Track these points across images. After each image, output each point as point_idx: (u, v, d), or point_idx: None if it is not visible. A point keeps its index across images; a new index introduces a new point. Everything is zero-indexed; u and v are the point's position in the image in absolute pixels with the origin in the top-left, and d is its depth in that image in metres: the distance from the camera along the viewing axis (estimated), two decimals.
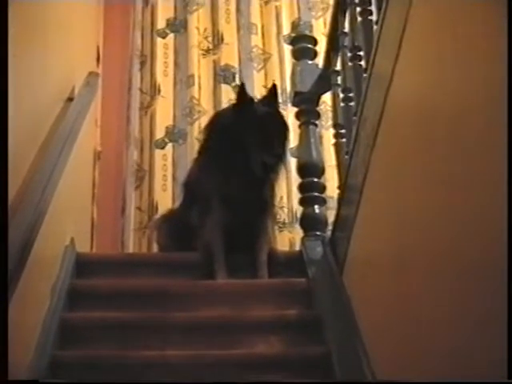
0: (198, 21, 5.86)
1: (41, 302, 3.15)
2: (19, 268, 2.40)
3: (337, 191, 3.92)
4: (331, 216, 3.87)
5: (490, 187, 1.68)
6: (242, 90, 4.10)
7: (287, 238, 5.19)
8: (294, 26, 5.83)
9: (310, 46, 4.30)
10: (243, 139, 3.86)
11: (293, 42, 4.54)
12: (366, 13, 3.25)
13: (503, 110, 1.53)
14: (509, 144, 1.50)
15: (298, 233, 4.52)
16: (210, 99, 5.63)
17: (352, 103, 3.51)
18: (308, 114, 4.25)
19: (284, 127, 4.08)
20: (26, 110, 3.03)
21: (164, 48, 5.85)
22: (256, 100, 4.19)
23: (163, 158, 5.51)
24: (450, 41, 2.01)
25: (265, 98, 4.22)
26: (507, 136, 1.50)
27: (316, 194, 4.12)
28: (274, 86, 4.28)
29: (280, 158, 3.99)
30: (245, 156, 3.85)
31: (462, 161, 1.89)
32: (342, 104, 3.75)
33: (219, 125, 4.09)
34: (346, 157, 3.46)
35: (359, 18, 3.34)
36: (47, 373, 2.98)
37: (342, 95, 3.75)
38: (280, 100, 5.40)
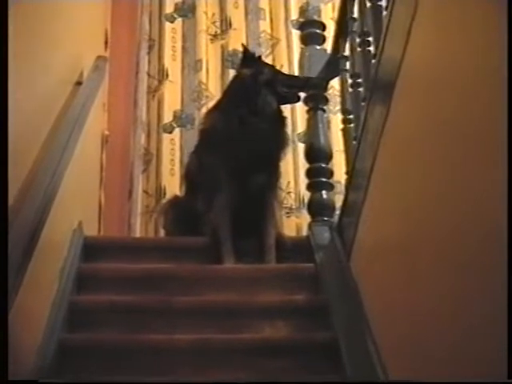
0: (207, 5, 5.86)
1: (49, 285, 3.17)
2: (29, 251, 2.41)
3: (344, 176, 3.93)
4: (339, 201, 3.88)
5: (493, 171, 1.69)
6: (246, 51, 4.25)
7: (294, 224, 5.20)
8: (303, 10, 5.82)
9: (318, 31, 4.30)
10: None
11: (301, 27, 4.54)
12: None
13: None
14: (509, 134, 1.52)
15: (306, 218, 4.52)
16: (217, 84, 5.63)
17: (360, 89, 3.52)
18: (316, 99, 4.25)
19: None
20: (36, 93, 3.04)
21: (172, 32, 5.84)
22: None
23: (171, 143, 5.52)
24: (458, 27, 2.01)
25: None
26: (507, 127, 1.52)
27: (323, 179, 4.13)
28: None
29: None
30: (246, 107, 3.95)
31: (468, 144, 1.89)
32: (350, 90, 3.75)
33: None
34: (354, 142, 3.46)
35: (368, 3, 3.34)
36: (55, 356, 3.00)
37: (350, 81, 3.75)
38: None
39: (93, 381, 2.75)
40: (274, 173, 4.09)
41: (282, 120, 4.16)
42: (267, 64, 4.44)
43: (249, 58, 4.23)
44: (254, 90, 3.98)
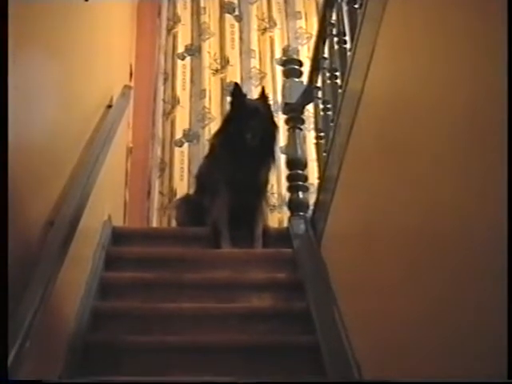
0: (210, 47, 5.85)
1: (85, 264, 3.17)
2: (70, 237, 2.41)
3: (316, 180, 3.93)
4: (312, 200, 3.89)
5: (428, 179, 1.71)
6: (236, 88, 4.11)
7: (277, 218, 5.20)
8: (285, 51, 5.82)
9: (296, 67, 4.29)
10: (238, 125, 3.88)
11: (283, 63, 4.54)
12: (342, 42, 3.26)
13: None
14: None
15: (286, 213, 4.52)
16: (218, 108, 5.62)
17: (329, 112, 3.53)
18: (295, 120, 4.25)
19: (263, 116, 3.99)
20: (78, 113, 3.05)
21: (182, 68, 5.84)
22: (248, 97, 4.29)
23: (181, 155, 5.51)
24: (408, 64, 2.03)
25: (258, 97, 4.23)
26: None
27: (300, 182, 4.13)
28: (263, 88, 4.33)
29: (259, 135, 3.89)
30: (239, 136, 3.84)
31: (412, 157, 1.91)
32: (321, 113, 3.76)
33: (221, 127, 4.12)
34: (324, 154, 3.47)
35: (336, 46, 3.35)
36: (89, 319, 3.01)
37: (321, 106, 3.76)
38: (273, 109, 5.46)
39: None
40: (262, 182, 4.06)
41: (270, 143, 4.03)
42: (254, 101, 4.25)
43: (238, 95, 4.07)
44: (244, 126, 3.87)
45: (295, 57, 5.12)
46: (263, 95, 4.14)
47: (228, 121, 4.04)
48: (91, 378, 2.68)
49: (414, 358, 1.85)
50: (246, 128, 3.83)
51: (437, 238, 1.70)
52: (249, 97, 4.48)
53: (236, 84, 4.22)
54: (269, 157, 4.02)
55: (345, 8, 3.19)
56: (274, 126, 4.08)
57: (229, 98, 4.21)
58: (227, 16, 5.99)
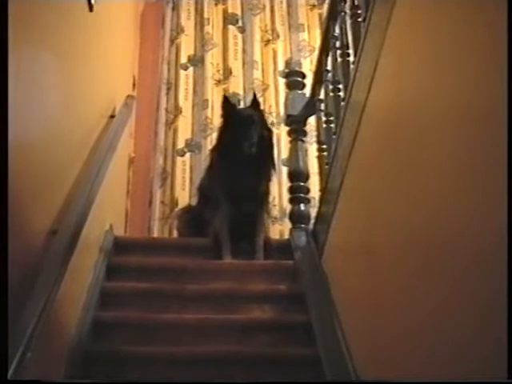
0: (213, 57, 5.86)
1: (86, 273, 3.17)
2: (72, 246, 2.41)
3: (318, 193, 3.93)
4: (314, 212, 3.88)
5: (432, 190, 1.71)
6: (225, 101, 4.10)
7: (278, 230, 5.18)
8: (287, 63, 5.83)
9: (299, 79, 4.30)
10: (233, 136, 3.86)
11: (286, 75, 4.54)
12: (345, 55, 3.26)
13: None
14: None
15: (287, 225, 4.51)
16: (220, 119, 5.62)
17: (332, 125, 3.53)
18: (297, 132, 4.24)
19: (256, 122, 3.94)
20: (81, 123, 3.06)
21: (185, 78, 5.83)
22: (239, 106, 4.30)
23: (183, 164, 5.50)
24: (410, 78, 2.03)
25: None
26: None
27: (302, 195, 4.12)
28: (254, 94, 4.32)
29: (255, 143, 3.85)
30: (236, 146, 3.82)
31: (415, 170, 1.91)
32: (324, 125, 3.76)
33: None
34: (327, 167, 3.48)
35: (339, 59, 3.35)
36: (89, 329, 3.00)
37: (324, 118, 3.76)
38: (275, 121, 5.47)
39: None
40: (263, 192, 4.05)
41: (267, 149, 4.03)
42: (245, 109, 4.25)
43: (228, 107, 4.05)
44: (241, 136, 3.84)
45: (298, 69, 5.12)
46: (254, 101, 4.13)
47: (223, 133, 4.02)
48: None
49: (416, 372, 1.84)
50: (241, 137, 3.82)
51: (439, 249, 1.71)
52: (239, 106, 4.48)
53: (224, 96, 4.25)
54: (268, 166, 4.03)
55: (348, 21, 3.20)
56: (268, 131, 4.08)
57: (220, 112, 4.18)
58: (230, 27, 6.01)
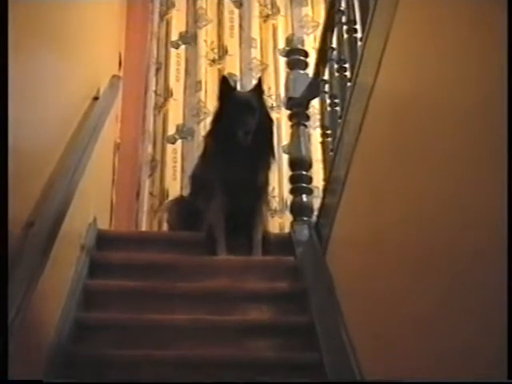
0: (207, 35, 5.85)
1: (67, 270, 3.16)
2: (52, 240, 2.41)
3: (322, 182, 3.93)
4: (317, 204, 3.88)
5: (440, 181, 1.70)
6: (224, 82, 4.08)
7: (277, 223, 5.18)
8: (289, 40, 5.81)
9: (301, 57, 4.29)
10: (228, 122, 3.83)
11: (287, 54, 4.54)
12: (352, 31, 3.25)
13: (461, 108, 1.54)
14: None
15: (288, 218, 4.52)
16: (214, 103, 5.60)
17: (337, 108, 3.52)
18: (299, 116, 4.24)
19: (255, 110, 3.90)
20: (60, 106, 3.04)
21: (176, 57, 5.83)
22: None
23: (173, 152, 5.50)
24: (421, 59, 2.02)
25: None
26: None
27: (304, 184, 4.12)
28: (259, 78, 4.29)
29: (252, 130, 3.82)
30: (230, 133, 3.80)
31: (425, 156, 1.90)
32: (328, 108, 3.76)
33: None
34: (331, 153, 3.47)
35: (345, 35, 3.34)
36: (70, 332, 3.00)
37: (328, 101, 3.76)
38: (275, 104, 5.46)
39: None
40: (261, 183, 4.04)
41: (266, 139, 4.01)
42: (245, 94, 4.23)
43: (226, 89, 4.02)
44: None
45: (300, 47, 5.11)
46: (258, 86, 4.10)
47: (218, 118, 4.00)
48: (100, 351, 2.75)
49: (423, 372, 1.85)
50: (236, 124, 3.79)
51: (445, 244, 1.72)
52: (240, 89, 4.46)
53: (224, 77, 4.23)
54: (267, 155, 4.01)
55: None
56: (268, 120, 4.05)
57: (216, 92, 4.16)
58: (226, 1, 5.99)
